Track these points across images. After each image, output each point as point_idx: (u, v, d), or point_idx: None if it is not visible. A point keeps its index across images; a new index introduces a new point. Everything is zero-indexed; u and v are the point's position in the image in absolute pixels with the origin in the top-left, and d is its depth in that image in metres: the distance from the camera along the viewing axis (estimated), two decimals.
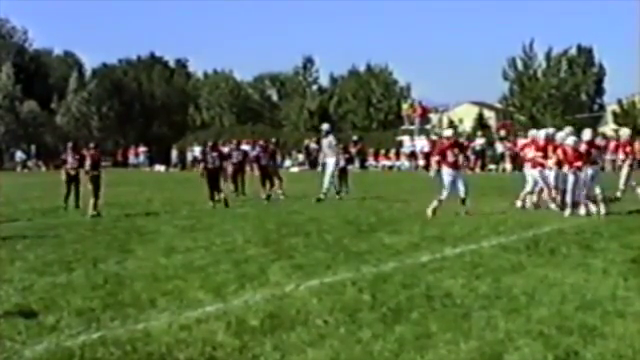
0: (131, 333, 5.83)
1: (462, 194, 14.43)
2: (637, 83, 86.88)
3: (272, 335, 5.68)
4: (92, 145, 17.67)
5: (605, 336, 5.49)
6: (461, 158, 14.93)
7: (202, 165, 18.38)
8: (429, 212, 13.98)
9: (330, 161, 18.98)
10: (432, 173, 15.15)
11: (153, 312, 6.54)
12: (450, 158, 14.48)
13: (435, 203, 14.14)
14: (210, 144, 19.00)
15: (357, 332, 5.72)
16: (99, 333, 5.85)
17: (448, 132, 15.92)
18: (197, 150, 41.55)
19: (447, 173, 14.42)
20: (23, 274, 8.53)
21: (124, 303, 6.90)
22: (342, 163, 22.56)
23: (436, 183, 14.89)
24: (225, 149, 23.69)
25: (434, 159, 15.02)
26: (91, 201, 15.86)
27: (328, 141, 19.35)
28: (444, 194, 14.28)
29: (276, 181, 20.29)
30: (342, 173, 21.33)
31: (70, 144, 19.03)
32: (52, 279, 8.21)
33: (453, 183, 14.35)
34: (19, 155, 53.51)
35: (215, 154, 18.26)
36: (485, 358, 5.08)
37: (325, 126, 20.40)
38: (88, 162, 16.69)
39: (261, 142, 22.06)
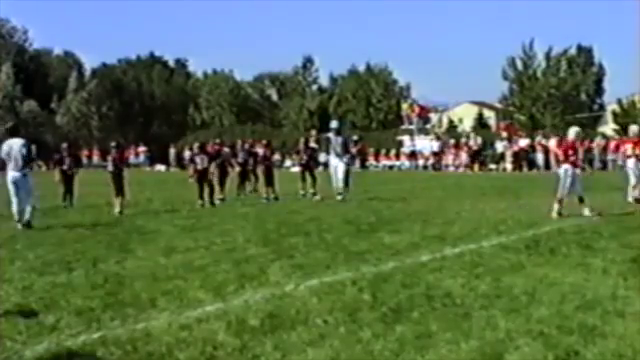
0: (131, 333, 5.83)
1: (580, 193, 14.07)
2: (637, 83, 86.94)
3: (272, 335, 5.68)
4: (114, 144, 17.90)
5: (605, 336, 5.48)
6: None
7: (192, 167, 18.52)
8: (554, 215, 13.59)
9: (335, 161, 18.66)
10: (562, 170, 14.28)
11: (153, 312, 6.54)
12: (572, 157, 14.39)
13: (558, 200, 13.83)
14: (198, 145, 19.25)
15: (357, 332, 5.72)
16: (99, 333, 5.85)
17: (577, 129, 15.35)
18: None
19: (573, 172, 14.18)
20: (23, 274, 8.53)
21: (124, 303, 6.90)
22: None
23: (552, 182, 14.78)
24: (225, 149, 23.72)
25: (561, 157, 14.52)
26: (118, 199, 16.36)
27: (340, 140, 18.90)
28: (563, 192, 13.94)
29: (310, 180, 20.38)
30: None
31: (65, 145, 19.32)
32: (52, 279, 8.21)
33: (572, 182, 14.13)
34: None
35: (204, 155, 18.50)
36: (485, 358, 5.08)
37: (335, 124, 19.88)
38: (111, 162, 17.12)
39: (263, 142, 22.01)
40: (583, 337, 5.44)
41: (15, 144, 13.49)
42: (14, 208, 13.36)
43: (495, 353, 5.14)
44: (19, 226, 13.22)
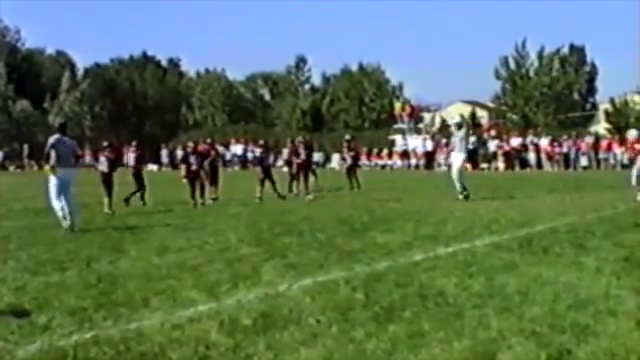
0: (124, 332, 5.81)
1: None
2: (629, 82, 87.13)
3: (265, 334, 5.67)
4: (106, 144, 18.14)
5: (598, 335, 5.49)
6: None
7: (184, 167, 18.52)
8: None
9: (458, 157, 17.76)
10: None
11: (146, 311, 6.53)
12: None
13: None
14: (191, 145, 19.29)
15: (350, 331, 5.72)
16: (92, 333, 5.83)
17: None
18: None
19: None
20: (16, 274, 8.50)
21: (117, 302, 6.88)
22: (349, 161, 22.97)
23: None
24: (220, 148, 23.77)
25: None
26: (108, 199, 16.66)
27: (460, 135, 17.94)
28: None
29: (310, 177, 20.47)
30: (351, 170, 22.00)
31: None
32: (45, 279, 8.18)
33: None
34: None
35: (196, 156, 18.54)
36: (478, 357, 5.08)
37: (458, 119, 19.28)
38: (107, 162, 17.34)
39: (260, 142, 21.99)
40: (576, 336, 5.44)
41: (67, 141, 13.27)
42: (63, 206, 12.76)
43: (488, 352, 5.14)
44: (65, 226, 12.68)
